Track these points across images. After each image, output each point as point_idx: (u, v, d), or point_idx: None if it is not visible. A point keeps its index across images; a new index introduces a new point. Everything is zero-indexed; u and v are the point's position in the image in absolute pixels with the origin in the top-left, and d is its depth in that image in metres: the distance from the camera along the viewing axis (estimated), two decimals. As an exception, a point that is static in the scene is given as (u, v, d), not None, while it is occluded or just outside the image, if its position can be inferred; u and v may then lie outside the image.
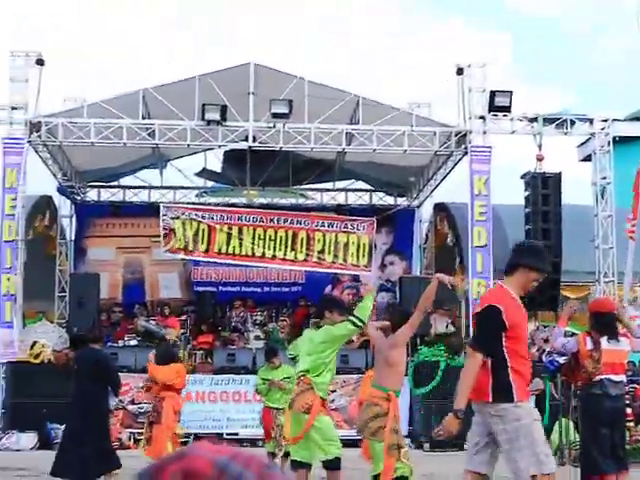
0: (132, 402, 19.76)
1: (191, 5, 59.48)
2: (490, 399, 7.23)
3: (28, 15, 57.38)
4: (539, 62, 64.97)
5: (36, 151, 21.68)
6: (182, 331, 22.95)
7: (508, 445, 7.26)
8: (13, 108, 20.43)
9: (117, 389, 13.06)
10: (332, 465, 10.35)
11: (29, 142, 20.70)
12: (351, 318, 10.19)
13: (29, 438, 18.95)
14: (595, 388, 10.09)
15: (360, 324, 10.15)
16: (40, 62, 20.24)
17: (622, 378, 10.34)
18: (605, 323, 10.35)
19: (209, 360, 21.64)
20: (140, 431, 19.60)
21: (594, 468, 10.03)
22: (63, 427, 13.63)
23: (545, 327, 20.90)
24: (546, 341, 20.47)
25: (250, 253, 23.61)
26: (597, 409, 10.08)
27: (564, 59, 65.46)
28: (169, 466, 2.81)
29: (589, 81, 63.03)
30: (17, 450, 18.43)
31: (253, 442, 19.58)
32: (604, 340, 10.18)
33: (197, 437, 19.80)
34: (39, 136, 20.93)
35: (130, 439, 19.25)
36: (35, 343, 19.88)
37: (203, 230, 23.61)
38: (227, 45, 59.17)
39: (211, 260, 24.62)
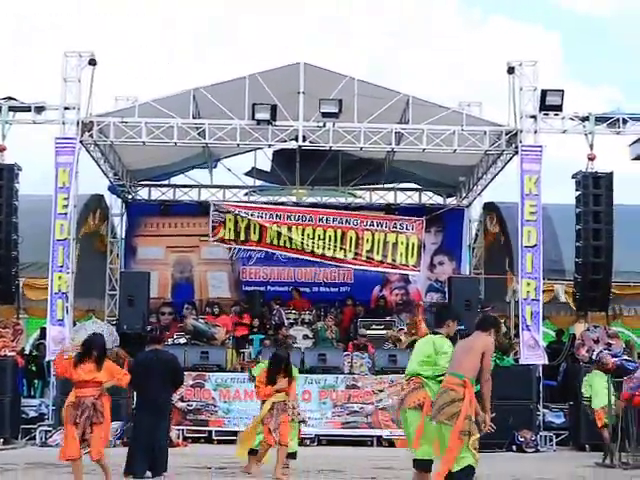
0: (181, 400, 19.85)
1: (190, 5, 59.59)
2: None
3: (79, 15, 57.81)
4: (587, 61, 64.35)
5: (88, 150, 21.85)
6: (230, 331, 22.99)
7: None
8: (65, 108, 20.61)
9: (179, 387, 15.00)
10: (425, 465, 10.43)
11: (81, 142, 20.88)
12: None
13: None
14: None
15: None
16: (92, 62, 20.39)
17: None
18: None
19: (258, 359, 21.64)
20: (191, 428, 19.80)
21: None
22: (131, 426, 14.98)
23: (595, 328, 20.69)
24: (596, 342, 20.29)
25: (300, 250, 23.74)
26: None
27: (613, 58, 64.77)
28: None
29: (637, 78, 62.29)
30: (68, 446, 18.55)
31: (300, 441, 19.57)
32: None
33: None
34: (91, 135, 21.11)
35: (179, 437, 19.35)
36: (86, 341, 20.01)
37: (254, 225, 23.82)
38: (226, 45, 59.21)
39: (263, 250, 24.74)
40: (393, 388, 20.01)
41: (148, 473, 13.45)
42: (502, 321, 21.71)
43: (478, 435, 9.48)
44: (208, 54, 59.33)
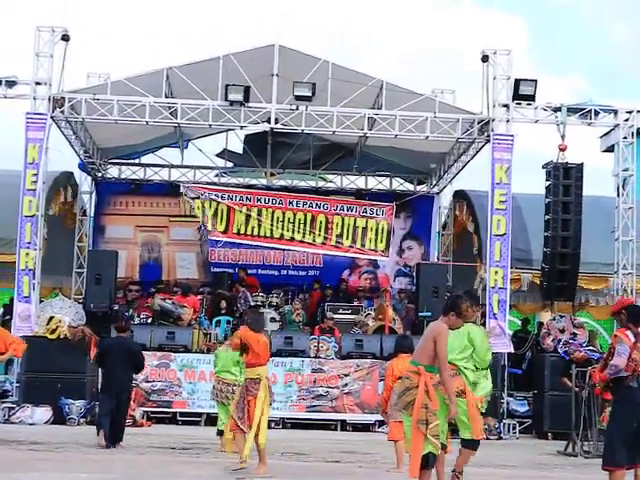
0: (146, 380, 19.79)
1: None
2: None
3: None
4: (555, 49, 64.75)
5: (58, 127, 21.70)
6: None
7: None
8: (37, 83, 20.45)
9: (140, 371, 16.08)
10: (473, 444, 10.93)
11: (52, 118, 20.73)
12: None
13: (43, 412, 19.02)
14: (633, 382, 10.00)
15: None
16: (65, 38, 20.23)
17: None
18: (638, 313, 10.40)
19: (225, 340, 21.60)
20: (155, 410, 19.74)
21: (619, 460, 9.94)
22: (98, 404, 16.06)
23: (561, 317, 20.82)
24: (562, 331, 20.42)
25: (268, 234, 23.72)
26: (633, 403, 9.99)
27: (581, 46, 65.23)
28: None
29: (605, 68, 62.78)
30: (31, 424, 18.51)
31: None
32: None
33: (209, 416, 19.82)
34: (62, 112, 20.95)
35: (143, 417, 19.30)
36: (52, 318, 19.90)
37: (222, 210, 23.77)
38: (248, 23, 58.84)
39: (229, 240, 24.67)
40: (358, 373, 20.04)
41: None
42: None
43: (437, 422, 9.46)
44: (182, 33, 59.06)
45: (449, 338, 10.80)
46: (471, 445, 10.93)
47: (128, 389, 15.39)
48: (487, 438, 19.13)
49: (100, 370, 15.81)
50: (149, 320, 22.19)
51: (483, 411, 18.75)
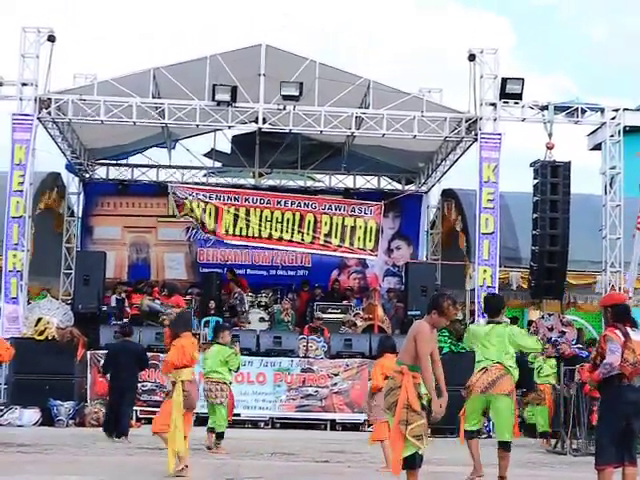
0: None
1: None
2: None
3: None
4: (539, 48, 65.15)
5: (45, 128, 21.65)
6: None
7: None
8: (23, 84, 20.41)
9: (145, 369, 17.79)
10: (510, 447, 11.65)
11: (38, 119, 20.68)
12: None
13: (32, 414, 18.95)
14: (624, 381, 9.95)
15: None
16: (51, 38, 20.17)
17: None
18: (625, 313, 10.34)
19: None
20: (143, 409, 19.69)
21: (607, 458, 9.95)
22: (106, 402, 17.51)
23: (550, 315, 20.82)
24: (550, 330, 20.42)
25: (257, 234, 23.61)
26: (621, 401, 9.97)
27: (566, 45, 65.56)
28: None
29: (590, 67, 63.24)
30: (19, 426, 18.44)
31: (255, 423, 19.64)
32: (630, 330, 10.08)
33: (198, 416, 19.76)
34: (49, 113, 20.92)
35: (132, 417, 19.21)
36: (40, 320, 19.83)
37: (210, 210, 23.68)
38: (235, 23, 58.90)
39: (218, 239, 24.52)
40: (347, 372, 20.02)
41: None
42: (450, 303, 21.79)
43: (419, 422, 9.38)
44: (170, 33, 59.06)
45: (491, 340, 11.46)
46: (509, 448, 11.56)
47: (134, 389, 17.00)
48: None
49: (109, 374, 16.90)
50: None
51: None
